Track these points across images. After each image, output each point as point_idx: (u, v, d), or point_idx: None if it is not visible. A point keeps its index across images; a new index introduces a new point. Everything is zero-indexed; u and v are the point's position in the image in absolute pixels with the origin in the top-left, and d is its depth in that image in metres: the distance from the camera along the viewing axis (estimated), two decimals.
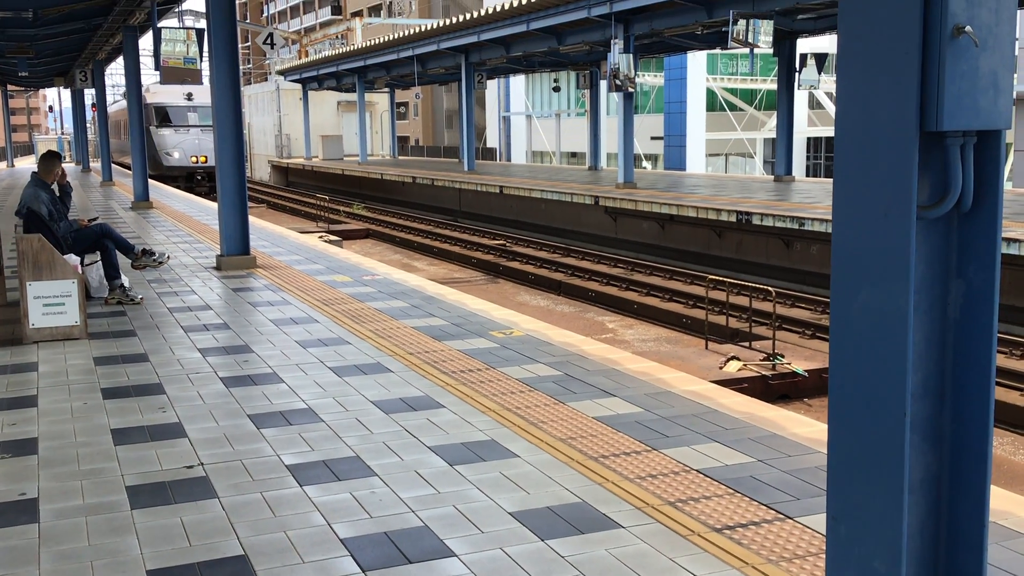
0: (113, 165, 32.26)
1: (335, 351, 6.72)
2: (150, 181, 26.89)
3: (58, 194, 8.96)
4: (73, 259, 7.83)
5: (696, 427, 4.94)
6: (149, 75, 35.35)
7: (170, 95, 35.82)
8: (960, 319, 2.56)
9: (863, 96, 2.46)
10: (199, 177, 35.05)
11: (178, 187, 30.63)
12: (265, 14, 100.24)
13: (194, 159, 35.29)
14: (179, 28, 15.35)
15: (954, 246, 2.54)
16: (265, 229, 14.92)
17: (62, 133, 70.30)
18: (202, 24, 21.55)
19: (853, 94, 2.49)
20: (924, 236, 2.48)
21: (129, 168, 33.24)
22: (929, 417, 2.58)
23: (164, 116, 34.16)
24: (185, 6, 17.17)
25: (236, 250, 10.81)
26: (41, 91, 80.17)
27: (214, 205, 18.25)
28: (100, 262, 8.81)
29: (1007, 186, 27.60)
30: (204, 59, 15.10)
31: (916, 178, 2.37)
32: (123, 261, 9.13)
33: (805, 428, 4.92)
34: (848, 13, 2.49)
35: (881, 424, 2.51)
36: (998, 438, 9.08)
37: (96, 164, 40.50)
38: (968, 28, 2.32)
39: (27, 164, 53.84)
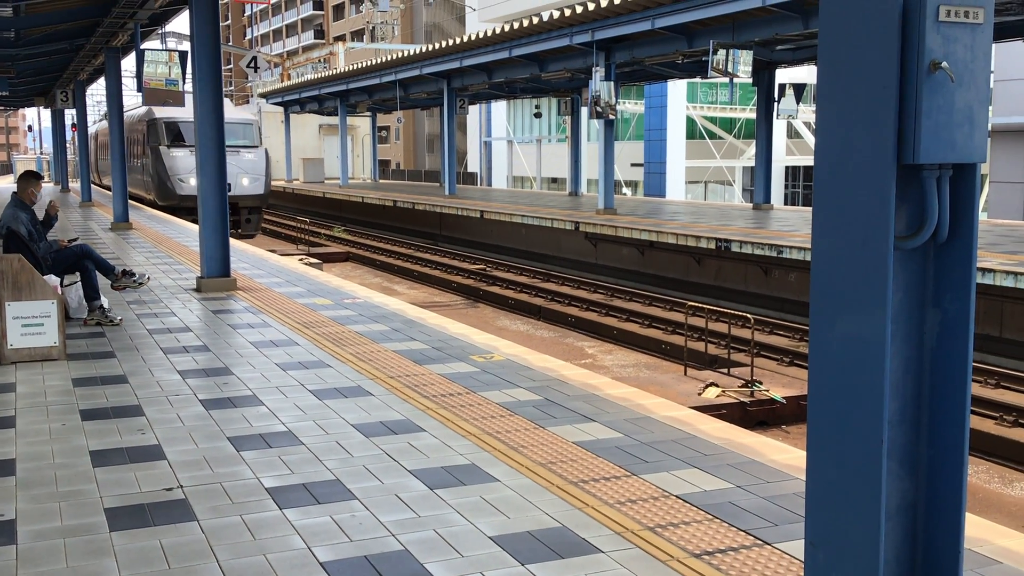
0: (96, 187, 30.83)
1: (316, 374, 6.71)
2: (140, 206, 26.46)
3: (40, 220, 8.93)
4: (53, 280, 7.80)
5: (675, 453, 4.97)
6: (130, 96, 33.92)
7: (185, 109, 31.45)
8: (936, 347, 2.61)
9: (842, 129, 2.52)
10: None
11: (195, 222, 26.19)
12: (247, 37, 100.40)
13: None
14: (162, 50, 15.37)
15: (930, 276, 2.59)
16: (245, 251, 14.90)
17: (41, 153, 69.94)
18: (185, 46, 21.55)
19: (832, 126, 2.55)
20: (901, 266, 2.53)
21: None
22: (906, 444, 2.63)
23: (177, 134, 27.31)
24: (168, 27, 17.25)
25: (216, 272, 10.79)
26: (20, 110, 79.82)
27: (194, 227, 18.20)
28: (80, 283, 8.77)
29: (982, 216, 27.94)
30: (187, 81, 15.13)
31: (893, 209, 2.43)
32: (103, 282, 9.09)
33: (783, 455, 4.96)
34: (828, 48, 2.56)
35: (859, 450, 2.55)
36: (975, 466, 9.16)
37: (76, 184, 40.30)
38: (944, 64, 2.38)
39: (5, 184, 53.49)
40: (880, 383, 2.48)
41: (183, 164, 25.69)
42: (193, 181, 24.20)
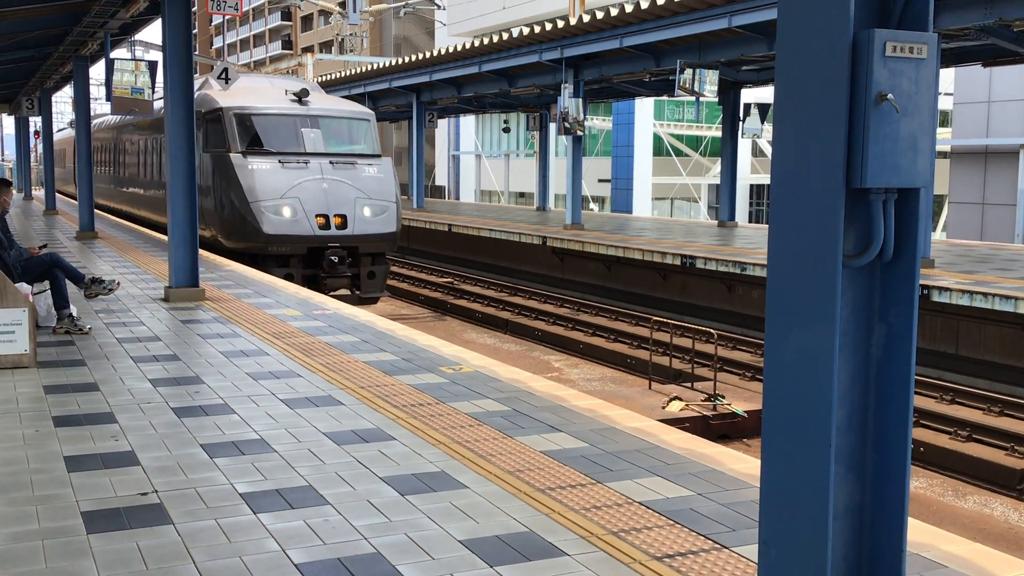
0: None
1: (286, 383, 6.81)
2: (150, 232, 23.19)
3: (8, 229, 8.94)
4: (24, 288, 7.83)
5: (639, 462, 5.13)
6: (98, 105, 33.14)
7: (263, 95, 17.68)
8: (882, 359, 2.79)
9: (796, 153, 2.70)
10: (334, 259, 16.11)
11: (291, 278, 15.03)
12: (215, 46, 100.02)
13: (321, 220, 16.11)
14: (131, 59, 15.38)
15: (877, 292, 2.77)
16: (213, 262, 14.92)
17: (3, 159, 69.15)
18: (152, 55, 21.54)
19: (787, 151, 2.73)
20: (850, 283, 2.71)
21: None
22: (853, 449, 2.80)
23: (254, 136, 16.57)
24: (137, 36, 17.16)
25: (185, 282, 10.83)
26: None
27: (162, 237, 18.16)
28: (49, 291, 8.79)
29: (941, 236, 28.51)
30: (155, 90, 15.15)
31: (842, 229, 2.61)
32: (72, 291, 9.12)
33: (742, 464, 5.14)
34: (784, 77, 2.74)
35: (809, 455, 2.72)
36: (929, 479, 9.42)
37: (39, 192, 39.96)
38: (890, 96, 2.57)
39: None
40: (829, 392, 2.66)
41: (270, 183, 15.75)
42: (288, 211, 15.56)
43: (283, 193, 15.77)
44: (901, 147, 2.61)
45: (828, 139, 2.60)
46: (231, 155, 16.18)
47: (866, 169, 2.56)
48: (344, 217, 16.06)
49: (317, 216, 15.92)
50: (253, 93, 17.65)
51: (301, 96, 17.35)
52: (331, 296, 13.53)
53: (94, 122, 25.64)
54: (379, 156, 17.55)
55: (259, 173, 15.92)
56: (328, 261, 15.95)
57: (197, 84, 17.17)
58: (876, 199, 2.64)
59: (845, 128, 2.57)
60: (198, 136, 15.92)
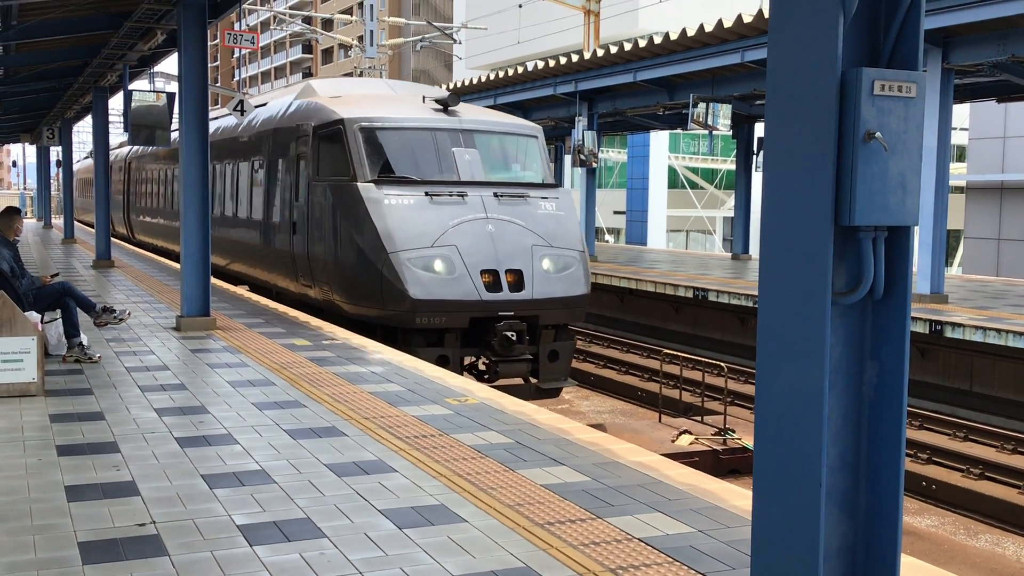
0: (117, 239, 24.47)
1: (291, 414, 6.81)
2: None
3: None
4: (34, 316, 7.88)
5: (641, 497, 5.09)
6: (117, 135, 32.92)
7: (395, 103, 13.26)
8: (874, 397, 2.77)
9: (785, 191, 2.70)
10: (509, 335, 10.95)
11: (445, 363, 10.74)
12: (236, 78, 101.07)
13: (488, 278, 11.05)
14: (150, 91, 15.56)
15: (868, 330, 2.76)
16: (226, 291, 14.99)
17: (25, 188, 69.91)
18: (172, 87, 21.77)
19: (777, 188, 2.73)
20: (840, 320, 2.70)
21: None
22: (845, 489, 2.78)
23: (389, 158, 12.04)
24: (156, 68, 17.39)
25: (196, 311, 10.88)
26: (5, 146, 79.91)
27: (176, 265, 18.27)
28: (60, 319, 8.85)
29: (957, 272, 28.37)
30: (173, 121, 15.31)
31: (831, 267, 2.60)
32: (83, 319, 9.18)
33: (745, 500, 5.09)
34: (773, 114, 2.75)
35: (800, 494, 2.70)
36: (941, 517, 9.30)
37: (58, 221, 40.36)
38: (878, 134, 2.57)
39: None
40: (819, 430, 2.64)
41: (416, 225, 11.27)
42: (442, 265, 11.02)
43: (435, 240, 11.05)
44: (890, 186, 2.61)
45: (817, 176, 2.60)
46: (358, 185, 11.48)
47: (854, 207, 2.56)
48: (519, 274, 11.13)
49: (482, 273, 11.02)
50: (380, 101, 12.94)
51: (448, 104, 12.59)
52: (498, 388, 9.25)
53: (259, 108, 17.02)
54: (556, 186, 12.71)
55: (400, 211, 11.25)
56: (502, 338, 10.89)
57: (295, 92, 14.70)
58: (865, 237, 2.64)
59: (833, 166, 2.57)
60: (303, 159, 12.85)
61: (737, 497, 5.17)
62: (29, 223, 41.20)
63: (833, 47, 2.52)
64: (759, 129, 23.92)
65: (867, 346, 2.75)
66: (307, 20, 64.62)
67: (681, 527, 4.65)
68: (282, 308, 13.08)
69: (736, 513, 4.88)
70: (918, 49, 2.59)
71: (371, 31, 27.83)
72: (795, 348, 2.68)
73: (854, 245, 2.66)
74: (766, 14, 15.16)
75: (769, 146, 2.74)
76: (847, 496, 2.77)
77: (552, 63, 21.67)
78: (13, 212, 9.28)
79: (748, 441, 10.56)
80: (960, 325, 12.41)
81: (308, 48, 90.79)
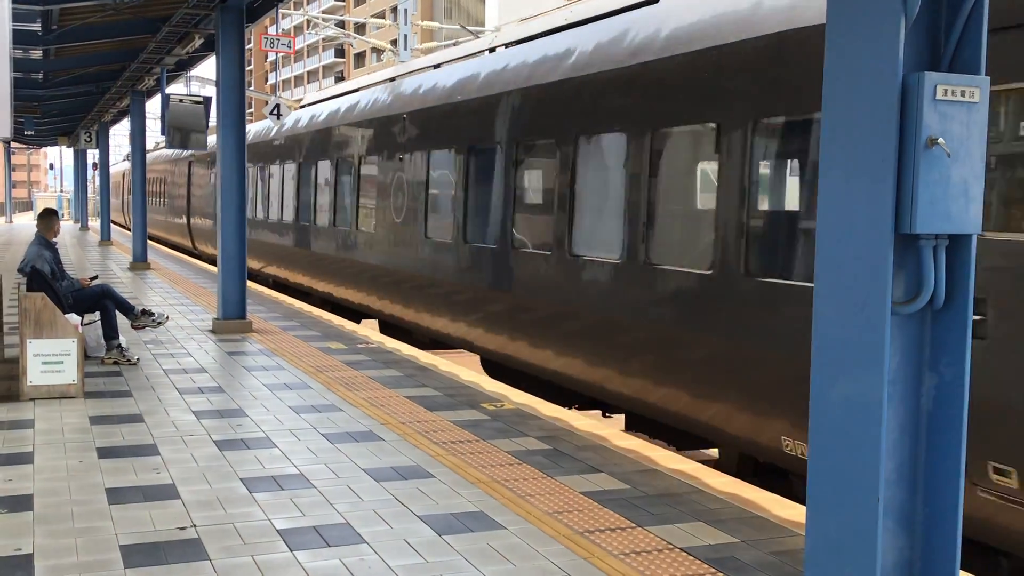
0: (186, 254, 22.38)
1: (328, 417, 6.80)
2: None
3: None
4: (74, 318, 7.94)
5: (681, 505, 5.03)
6: (153, 138, 32.82)
7: None
8: (932, 410, 2.70)
9: (843, 198, 2.64)
10: None
11: None
12: (270, 82, 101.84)
13: None
14: (187, 96, 15.69)
15: (927, 341, 2.69)
16: (261, 294, 15.07)
17: (62, 191, 70.83)
18: (208, 90, 21.95)
19: (835, 195, 2.67)
20: (899, 330, 2.63)
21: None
22: (902, 503, 2.71)
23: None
24: (193, 72, 17.58)
25: (233, 314, 10.93)
26: (42, 148, 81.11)
27: (213, 268, 18.40)
28: (99, 321, 8.92)
29: None
30: (209, 126, 15.42)
31: (891, 276, 2.54)
32: (122, 321, 9.24)
33: (788, 510, 5.01)
34: (831, 120, 2.69)
35: (856, 508, 2.63)
36: None
37: (95, 223, 40.83)
38: (940, 140, 2.50)
39: (25, 220, 54.22)
40: (877, 443, 2.57)
41: None
42: None
43: None
44: (952, 193, 2.54)
45: (876, 183, 2.54)
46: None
47: (916, 214, 2.50)
48: None
49: None
50: None
51: None
52: None
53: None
54: None
55: None
56: None
57: None
58: (926, 245, 2.57)
59: (894, 172, 2.51)
60: None
61: (779, 506, 5.09)
62: (66, 225, 41.72)
63: (895, 50, 2.46)
64: None
65: (926, 357, 2.69)
66: (340, 24, 65.01)
67: (724, 537, 4.58)
68: (316, 311, 13.12)
69: (778, 523, 4.80)
70: (981, 52, 2.53)
71: (404, 35, 27.90)
72: (852, 359, 2.62)
73: (914, 253, 2.60)
74: None
75: (826, 152, 2.68)
76: (904, 510, 2.71)
77: None
78: (51, 213, 9.37)
79: None
80: None
81: (341, 52, 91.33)
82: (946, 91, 2.50)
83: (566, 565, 4.17)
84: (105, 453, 5.81)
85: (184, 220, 26.79)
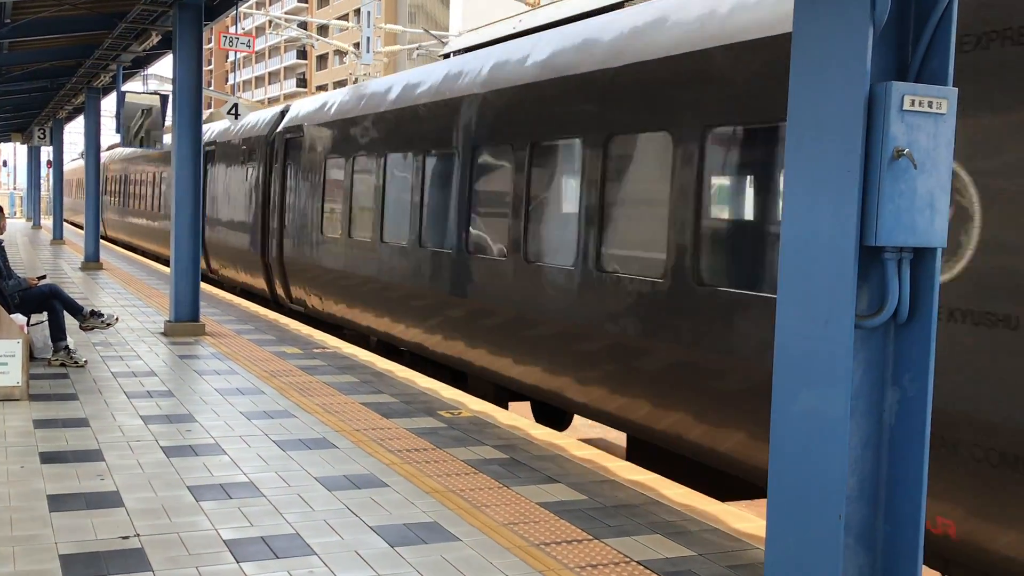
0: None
1: (280, 424, 6.66)
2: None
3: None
4: (20, 318, 7.73)
5: (638, 517, 4.97)
6: (109, 136, 32.39)
7: None
8: (895, 425, 2.66)
9: (808, 208, 2.59)
10: None
11: None
12: (230, 82, 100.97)
13: None
14: (143, 92, 15.43)
15: (890, 355, 2.65)
16: (215, 296, 14.83)
17: (14, 188, 69.59)
18: (165, 88, 21.62)
19: (799, 206, 2.62)
20: (862, 344, 2.59)
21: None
22: (864, 519, 2.66)
23: None
24: (150, 70, 17.24)
25: (185, 316, 10.73)
26: None
27: (165, 269, 18.11)
28: (46, 322, 8.69)
29: None
30: (165, 123, 15.18)
31: (855, 289, 2.49)
32: (70, 323, 9.02)
33: (745, 523, 4.97)
34: (796, 130, 2.64)
35: (817, 525, 2.58)
36: None
37: (47, 222, 40.12)
38: (907, 151, 2.46)
39: None
40: (840, 458, 2.52)
41: None
42: None
43: None
44: (918, 205, 2.50)
45: (841, 195, 2.50)
46: None
47: (880, 227, 2.45)
48: None
49: None
50: None
51: None
52: None
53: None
54: None
55: None
56: None
57: None
58: (891, 258, 2.53)
59: (860, 183, 2.47)
60: None
61: (737, 519, 5.05)
62: (18, 223, 40.95)
63: (862, 59, 2.42)
64: None
65: (889, 371, 2.65)
66: (303, 25, 64.55)
67: (681, 550, 4.52)
68: (272, 315, 12.93)
69: (736, 536, 4.76)
70: (949, 63, 2.49)
71: (367, 38, 27.73)
72: (815, 372, 2.57)
73: (878, 266, 2.55)
74: None
75: (790, 163, 2.63)
76: (865, 527, 2.66)
77: None
78: None
79: None
80: None
81: (303, 54, 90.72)
82: (913, 101, 2.46)
83: None
84: (48, 458, 5.63)
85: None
